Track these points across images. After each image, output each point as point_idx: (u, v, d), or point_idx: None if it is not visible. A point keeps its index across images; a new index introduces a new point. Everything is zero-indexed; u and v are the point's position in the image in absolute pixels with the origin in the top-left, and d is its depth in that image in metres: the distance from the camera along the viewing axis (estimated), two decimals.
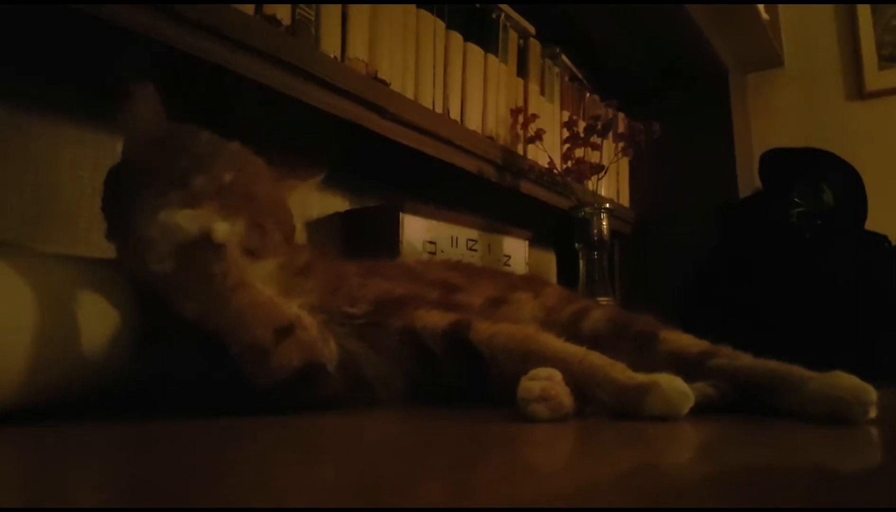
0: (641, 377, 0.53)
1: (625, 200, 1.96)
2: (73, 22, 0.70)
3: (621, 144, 1.57)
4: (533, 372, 0.54)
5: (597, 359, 0.56)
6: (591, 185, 1.52)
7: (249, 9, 0.85)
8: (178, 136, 0.63)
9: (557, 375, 0.54)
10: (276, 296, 0.56)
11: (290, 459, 0.41)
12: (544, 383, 0.53)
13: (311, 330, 0.56)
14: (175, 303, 0.53)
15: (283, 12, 0.89)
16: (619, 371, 0.54)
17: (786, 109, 2.17)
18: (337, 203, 1.22)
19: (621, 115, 1.86)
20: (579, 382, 0.55)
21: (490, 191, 1.40)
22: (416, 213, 1.14)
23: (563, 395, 0.53)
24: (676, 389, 0.52)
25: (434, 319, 0.64)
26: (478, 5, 1.34)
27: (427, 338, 0.63)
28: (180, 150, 0.60)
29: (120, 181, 0.63)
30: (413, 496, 0.31)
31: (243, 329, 0.52)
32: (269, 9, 0.87)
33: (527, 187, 1.45)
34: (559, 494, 0.32)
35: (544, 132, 1.43)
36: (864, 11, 2.06)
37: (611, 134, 1.56)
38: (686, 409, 0.52)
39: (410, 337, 0.64)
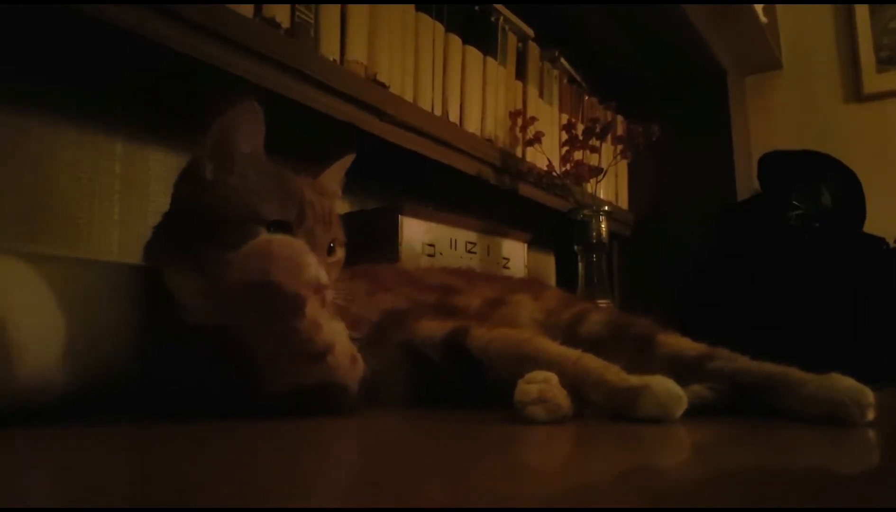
0: (634, 380, 0.53)
1: (623, 202, 1.96)
2: (73, 22, 0.70)
3: (620, 147, 1.57)
4: (529, 375, 0.55)
5: (591, 361, 0.57)
6: (589, 187, 1.52)
7: (249, 11, 0.85)
8: (294, 193, 0.61)
9: (554, 377, 0.55)
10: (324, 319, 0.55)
11: (291, 461, 0.41)
12: (541, 386, 0.53)
13: (341, 357, 0.56)
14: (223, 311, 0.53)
15: (282, 15, 0.90)
16: (613, 373, 0.55)
17: (784, 111, 2.17)
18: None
19: (620, 118, 1.86)
20: (574, 385, 0.55)
21: (489, 193, 1.40)
22: (415, 215, 1.14)
23: (561, 397, 0.53)
24: (669, 391, 0.53)
25: (432, 329, 0.65)
26: (477, 8, 1.34)
27: (426, 348, 0.64)
28: (316, 226, 0.60)
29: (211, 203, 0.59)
30: (413, 496, 0.31)
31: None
32: (268, 11, 0.88)
33: (526, 189, 1.45)
34: (557, 494, 0.32)
35: (543, 134, 1.43)
36: (862, 14, 2.07)
37: (609, 136, 1.56)
38: (679, 412, 0.53)
39: (410, 348, 0.65)
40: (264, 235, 0.54)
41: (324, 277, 0.54)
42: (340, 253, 0.65)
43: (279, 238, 0.53)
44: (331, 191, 0.70)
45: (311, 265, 0.52)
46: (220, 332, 0.54)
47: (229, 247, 0.54)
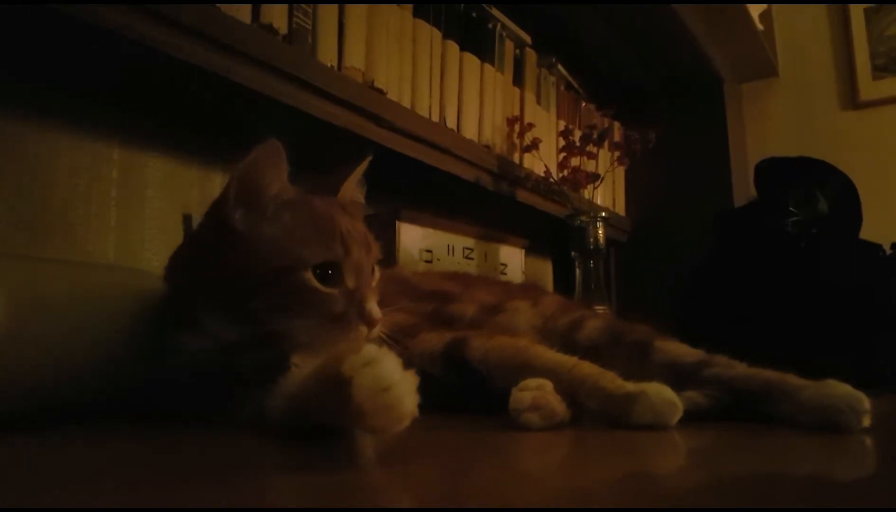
0: (630, 386, 0.54)
1: (620, 209, 1.97)
2: (68, 27, 0.70)
3: (617, 153, 1.57)
4: (523, 383, 0.55)
5: (587, 368, 0.57)
6: (587, 193, 1.52)
7: (246, 17, 0.85)
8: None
9: (548, 384, 0.55)
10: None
11: (292, 465, 0.41)
12: (535, 393, 0.54)
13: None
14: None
15: (279, 20, 0.90)
16: (608, 380, 0.55)
17: (781, 118, 2.18)
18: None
19: (617, 124, 1.86)
20: (570, 392, 0.55)
21: (486, 199, 1.40)
22: (412, 221, 1.14)
23: (555, 403, 0.53)
24: (664, 398, 0.53)
25: (431, 344, 0.64)
26: (474, 14, 1.35)
27: (425, 362, 0.63)
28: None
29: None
30: (411, 498, 0.31)
31: None
32: (266, 17, 0.88)
33: (523, 196, 1.45)
34: (553, 498, 0.32)
35: (540, 141, 1.43)
36: (858, 21, 2.08)
37: (606, 142, 1.56)
38: (674, 419, 0.53)
39: (408, 362, 0.64)
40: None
41: (377, 312, 0.55)
42: (378, 271, 0.62)
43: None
44: (354, 200, 0.68)
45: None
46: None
47: (276, 298, 0.53)
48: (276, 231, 0.55)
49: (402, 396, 0.39)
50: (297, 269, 0.54)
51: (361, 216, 0.66)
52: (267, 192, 0.55)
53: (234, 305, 0.54)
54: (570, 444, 0.51)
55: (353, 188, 0.68)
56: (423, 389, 0.41)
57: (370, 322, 0.56)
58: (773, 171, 1.39)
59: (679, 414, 0.53)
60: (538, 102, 1.57)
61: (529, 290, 0.95)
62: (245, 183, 0.55)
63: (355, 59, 1.03)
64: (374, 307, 0.56)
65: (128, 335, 0.59)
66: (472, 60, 1.33)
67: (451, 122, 1.25)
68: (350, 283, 0.57)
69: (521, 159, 1.46)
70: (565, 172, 1.49)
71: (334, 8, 1.00)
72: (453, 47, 1.28)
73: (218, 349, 0.55)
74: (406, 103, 1.13)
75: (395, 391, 0.39)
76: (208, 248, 0.56)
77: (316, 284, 0.54)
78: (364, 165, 0.69)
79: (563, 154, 1.50)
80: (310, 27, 0.95)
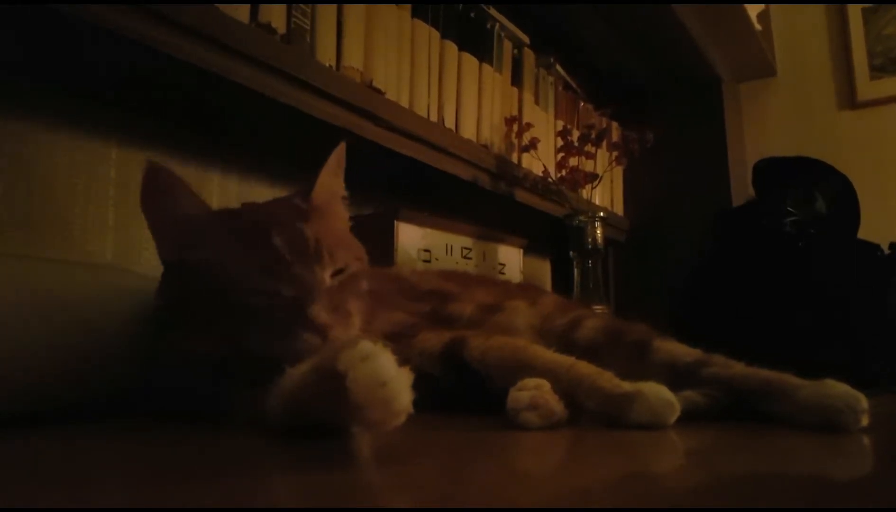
0: (627, 386, 0.54)
1: (619, 208, 1.97)
2: (68, 27, 0.70)
3: (615, 153, 1.57)
4: (521, 382, 0.55)
5: (584, 368, 0.57)
6: (585, 193, 1.52)
7: (245, 17, 0.85)
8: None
9: (546, 384, 0.55)
10: None
11: (291, 465, 0.41)
12: (533, 393, 0.54)
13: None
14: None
15: (278, 20, 0.90)
16: (606, 380, 0.55)
17: (778, 118, 2.18)
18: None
19: (615, 124, 1.87)
20: (568, 392, 0.55)
21: (485, 199, 1.40)
22: (410, 220, 1.14)
23: (553, 402, 0.54)
24: (661, 398, 0.53)
25: (430, 343, 0.64)
26: (472, 14, 1.35)
27: (424, 364, 0.63)
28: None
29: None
30: (410, 498, 0.31)
31: None
32: (264, 17, 0.88)
33: (521, 195, 1.45)
34: (552, 497, 0.32)
35: (539, 141, 1.43)
36: (855, 21, 2.08)
37: (605, 142, 1.56)
38: (672, 418, 0.53)
39: (407, 363, 0.64)
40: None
41: (322, 317, 0.52)
42: (353, 267, 0.60)
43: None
44: (330, 196, 0.65)
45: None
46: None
47: (221, 317, 0.53)
48: (205, 256, 0.54)
49: (398, 391, 0.40)
50: (228, 292, 0.53)
51: (336, 214, 0.64)
52: (176, 217, 0.55)
53: (198, 324, 0.55)
54: (569, 444, 0.51)
55: (329, 181, 0.65)
56: (423, 389, 0.41)
57: (315, 329, 0.52)
58: (772, 171, 1.40)
59: (676, 413, 0.53)
60: (536, 102, 1.57)
61: (528, 289, 0.95)
62: (152, 215, 0.55)
63: (354, 58, 1.03)
64: (318, 313, 0.52)
65: (127, 335, 0.59)
66: (470, 60, 1.33)
67: (449, 122, 1.25)
68: (288, 292, 0.53)
69: (519, 159, 1.46)
70: (563, 172, 1.49)
71: (333, 8, 1.00)
72: (452, 47, 1.28)
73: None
74: (404, 103, 1.13)
75: (392, 386, 0.39)
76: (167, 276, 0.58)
77: (247, 301, 0.53)
78: (337, 154, 0.65)
79: (562, 154, 1.50)
80: (308, 27, 0.95)
